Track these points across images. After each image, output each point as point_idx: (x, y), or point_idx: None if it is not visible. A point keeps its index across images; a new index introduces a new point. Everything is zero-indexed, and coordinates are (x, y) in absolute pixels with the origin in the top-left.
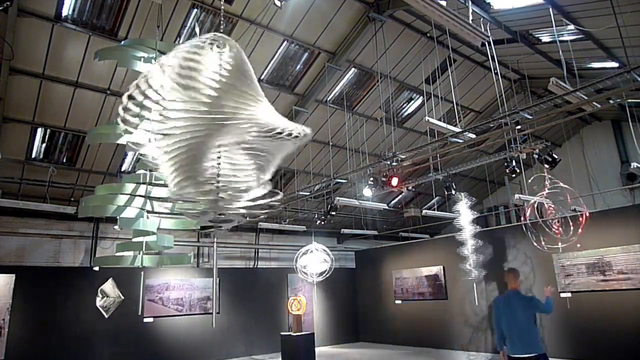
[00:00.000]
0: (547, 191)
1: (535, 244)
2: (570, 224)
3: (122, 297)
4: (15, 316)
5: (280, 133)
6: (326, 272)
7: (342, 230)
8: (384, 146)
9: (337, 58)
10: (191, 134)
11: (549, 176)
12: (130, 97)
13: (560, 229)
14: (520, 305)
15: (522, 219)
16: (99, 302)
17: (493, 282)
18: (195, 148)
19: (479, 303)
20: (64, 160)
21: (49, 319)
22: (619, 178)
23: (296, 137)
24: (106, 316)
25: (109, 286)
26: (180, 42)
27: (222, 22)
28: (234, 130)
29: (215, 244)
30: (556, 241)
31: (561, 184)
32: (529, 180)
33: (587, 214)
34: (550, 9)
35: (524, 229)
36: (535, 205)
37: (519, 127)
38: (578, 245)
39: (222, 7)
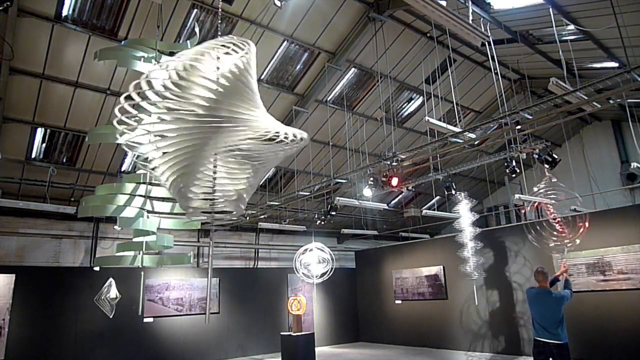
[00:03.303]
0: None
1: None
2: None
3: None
4: (15, 316)
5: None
6: (327, 274)
7: (342, 230)
8: (384, 146)
9: (337, 58)
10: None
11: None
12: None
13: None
14: (550, 303)
15: (542, 216)
16: (113, 303)
17: (493, 281)
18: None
19: (479, 303)
20: (64, 160)
21: (49, 319)
22: (619, 178)
23: (292, 140)
24: (110, 316)
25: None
26: (180, 42)
27: (218, 21)
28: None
29: (211, 239)
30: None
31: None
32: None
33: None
34: (550, 9)
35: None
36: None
37: (519, 127)
38: (577, 241)
39: (220, 7)
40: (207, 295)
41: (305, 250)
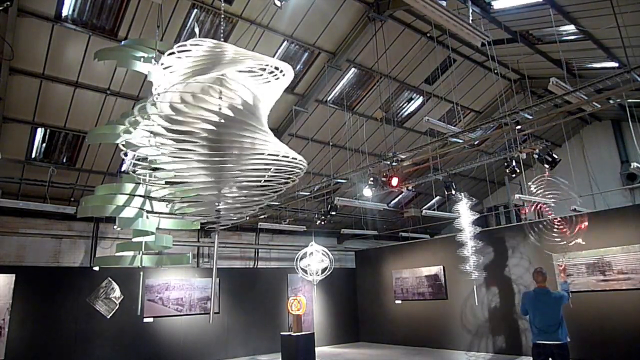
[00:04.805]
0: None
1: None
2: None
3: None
4: (15, 316)
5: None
6: (326, 270)
7: (342, 230)
8: (384, 146)
9: (337, 58)
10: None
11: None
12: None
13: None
14: (550, 302)
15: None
16: (117, 302)
17: (493, 282)
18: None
19: (479, 303)
20: (64, 160)
21: (49, 319)
22: (619, 178)
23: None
24: (108, 316)
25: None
26: (181, 42)
27: (222, 25)
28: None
29: (217, 235)
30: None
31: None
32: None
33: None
34: (550, 9)
35: (529, 229)
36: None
37: (519, 127)
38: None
39: (222, 7)
40: (211, 295)
41: (305, 253)
